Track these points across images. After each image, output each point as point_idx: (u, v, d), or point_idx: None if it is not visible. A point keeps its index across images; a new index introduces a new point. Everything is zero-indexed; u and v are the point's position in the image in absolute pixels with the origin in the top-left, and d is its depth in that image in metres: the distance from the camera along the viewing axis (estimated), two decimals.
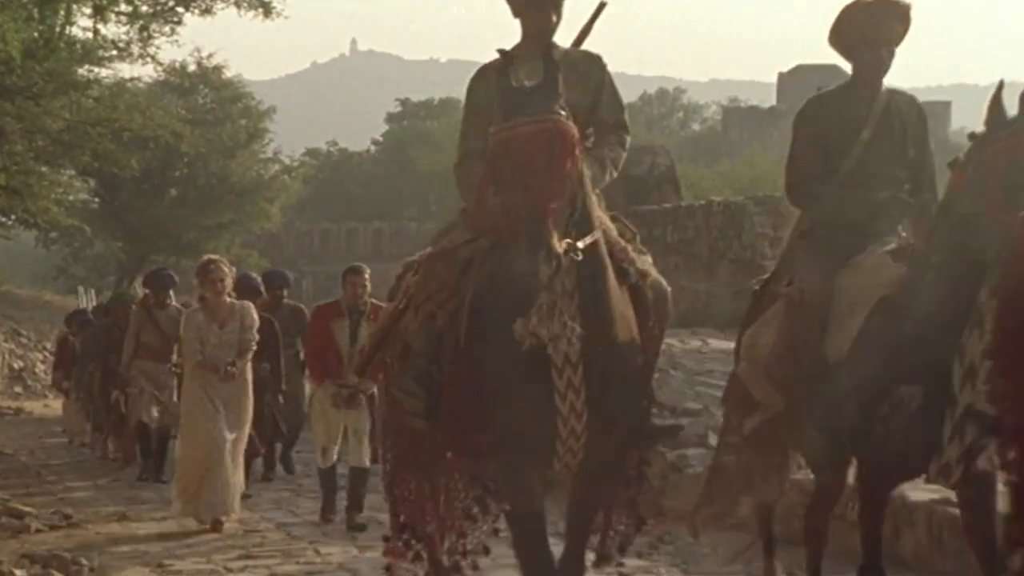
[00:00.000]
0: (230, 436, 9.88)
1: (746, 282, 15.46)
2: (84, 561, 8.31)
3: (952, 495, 7.48)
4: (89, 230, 34.56)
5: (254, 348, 10.26)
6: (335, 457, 10.19)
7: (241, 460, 10.17)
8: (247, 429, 10.19)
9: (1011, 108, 5.22)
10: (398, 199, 52.51)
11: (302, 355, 12.56)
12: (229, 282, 10.19)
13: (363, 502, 9.91)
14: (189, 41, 42.76)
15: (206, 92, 40.26)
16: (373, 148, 61.76)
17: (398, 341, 5.79)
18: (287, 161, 43.77)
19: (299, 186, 43.38)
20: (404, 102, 62.80)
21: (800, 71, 64.13)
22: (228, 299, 10.18)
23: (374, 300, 10.06)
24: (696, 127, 74.42)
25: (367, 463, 9.94)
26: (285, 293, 13.51)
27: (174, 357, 12.25)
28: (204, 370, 9.95)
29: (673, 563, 7.92)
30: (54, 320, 27.79)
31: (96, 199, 38.34)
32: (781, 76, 68.42)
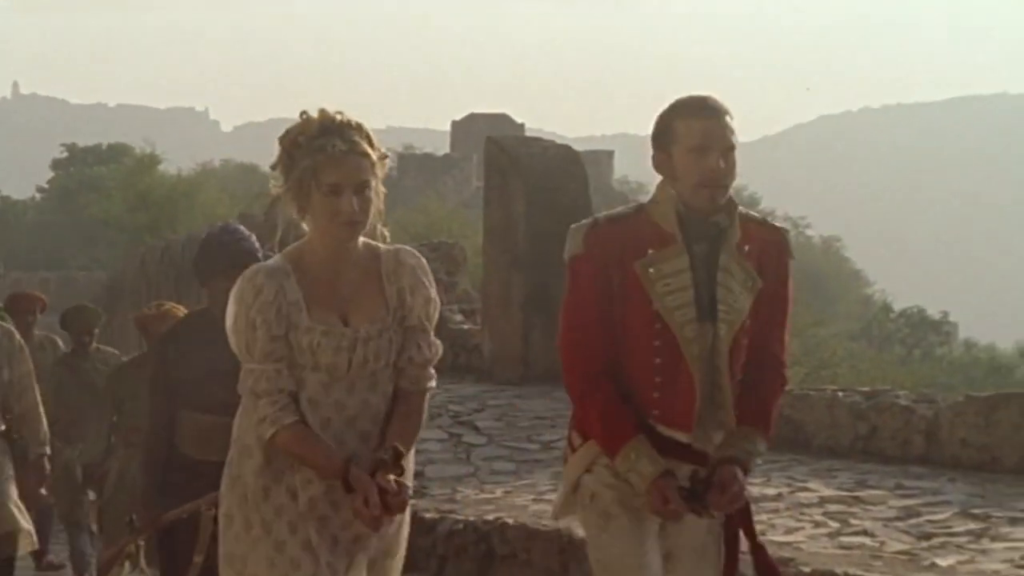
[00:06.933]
0: None
1: None
2: None
3: None
4: None
5: (433, 383, 3.67)
6: None
7: None
8: None
9: None
10: (65, 248, 50.79)
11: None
12: (377, 207, 3.63)
13: None
14: None
15: None
16: (38, 195, 59.92)
17: None
18: None
19: None
20: (71, 147, 60.87)
21: (472, 119, 65.54)
22: (364, 244, 3.67)
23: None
24: None
25: None
26: (96, 335, 9.18)
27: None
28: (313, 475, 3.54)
29: None
30: None
31: None
32: (454, 124, 69.62)
